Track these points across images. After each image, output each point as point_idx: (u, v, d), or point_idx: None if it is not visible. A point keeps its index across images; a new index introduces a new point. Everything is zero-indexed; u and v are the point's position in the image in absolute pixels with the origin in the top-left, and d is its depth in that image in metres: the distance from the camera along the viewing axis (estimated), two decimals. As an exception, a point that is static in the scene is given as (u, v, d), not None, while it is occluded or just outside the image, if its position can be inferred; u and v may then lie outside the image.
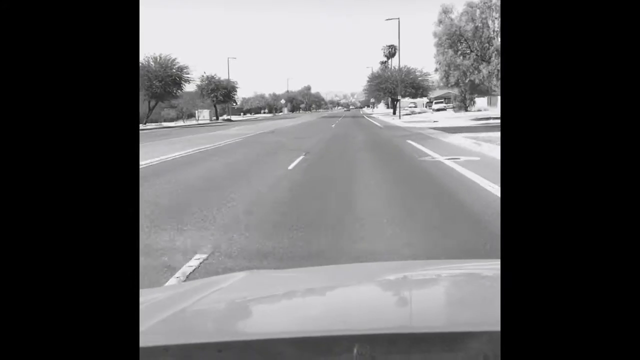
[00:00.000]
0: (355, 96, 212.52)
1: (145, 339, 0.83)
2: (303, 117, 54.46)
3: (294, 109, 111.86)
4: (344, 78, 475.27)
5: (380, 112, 75.25)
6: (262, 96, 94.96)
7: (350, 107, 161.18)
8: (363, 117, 51.42)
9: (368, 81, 58.30)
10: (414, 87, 50.65)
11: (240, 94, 68.44)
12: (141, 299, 0.88)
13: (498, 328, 0.77)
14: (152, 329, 0.97)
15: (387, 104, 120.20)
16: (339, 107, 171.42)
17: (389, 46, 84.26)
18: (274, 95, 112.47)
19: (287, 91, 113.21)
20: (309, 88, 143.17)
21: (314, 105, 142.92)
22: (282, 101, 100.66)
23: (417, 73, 51.83)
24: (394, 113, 49.04)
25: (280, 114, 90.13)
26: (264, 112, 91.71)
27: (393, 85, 50.42)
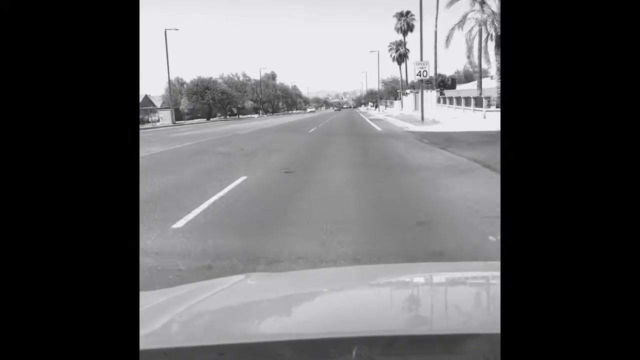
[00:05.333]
0: (348, 95, 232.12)
1: (145, 342, 0.89)
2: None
3: (212, 112, 68.34)
4: (338, 78, 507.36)
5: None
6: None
7: (344, 106, 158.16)
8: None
9: None
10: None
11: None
12: (141, 302, 0.96)
13: (498, 330, 0.81)
14: (151, 332, 1.05)
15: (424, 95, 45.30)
16: (310, 108, 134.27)
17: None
18: (177, 82, 38.27)
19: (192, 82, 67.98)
20: (272, 76, 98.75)
21: (282, 105, 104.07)
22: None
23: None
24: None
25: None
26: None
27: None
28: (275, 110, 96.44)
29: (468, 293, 1.44)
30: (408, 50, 70.18)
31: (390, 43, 71.31)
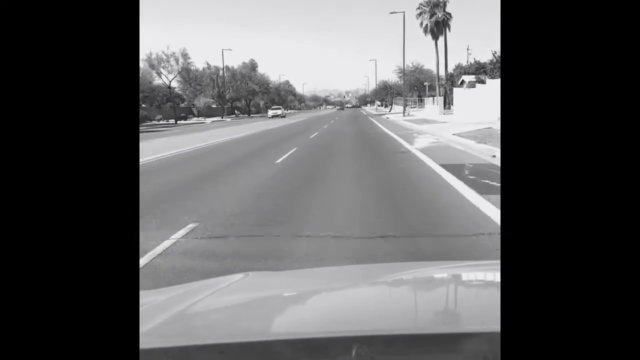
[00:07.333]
0: (350, 94, 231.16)
1: (145, 341, 0.96)
2: None
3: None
4: (340, 77, 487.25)
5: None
6: None
7: (347, 105, 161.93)
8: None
9: None
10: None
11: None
12: (141, 301, 1.06)
13: (498, 329, 0.88)
14: (151, 331, 1.12)
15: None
16: (274, 109, 71.74)
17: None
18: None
19: None
20: (250, 66, 70.00)
21: (266, 103, 79.14)
22: None
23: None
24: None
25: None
26: None
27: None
28: (258, 111, 70.80)
29: (468, 292, 1.52)
30: (449, 15, 44.17)
31: (421, 4, 46.10)
